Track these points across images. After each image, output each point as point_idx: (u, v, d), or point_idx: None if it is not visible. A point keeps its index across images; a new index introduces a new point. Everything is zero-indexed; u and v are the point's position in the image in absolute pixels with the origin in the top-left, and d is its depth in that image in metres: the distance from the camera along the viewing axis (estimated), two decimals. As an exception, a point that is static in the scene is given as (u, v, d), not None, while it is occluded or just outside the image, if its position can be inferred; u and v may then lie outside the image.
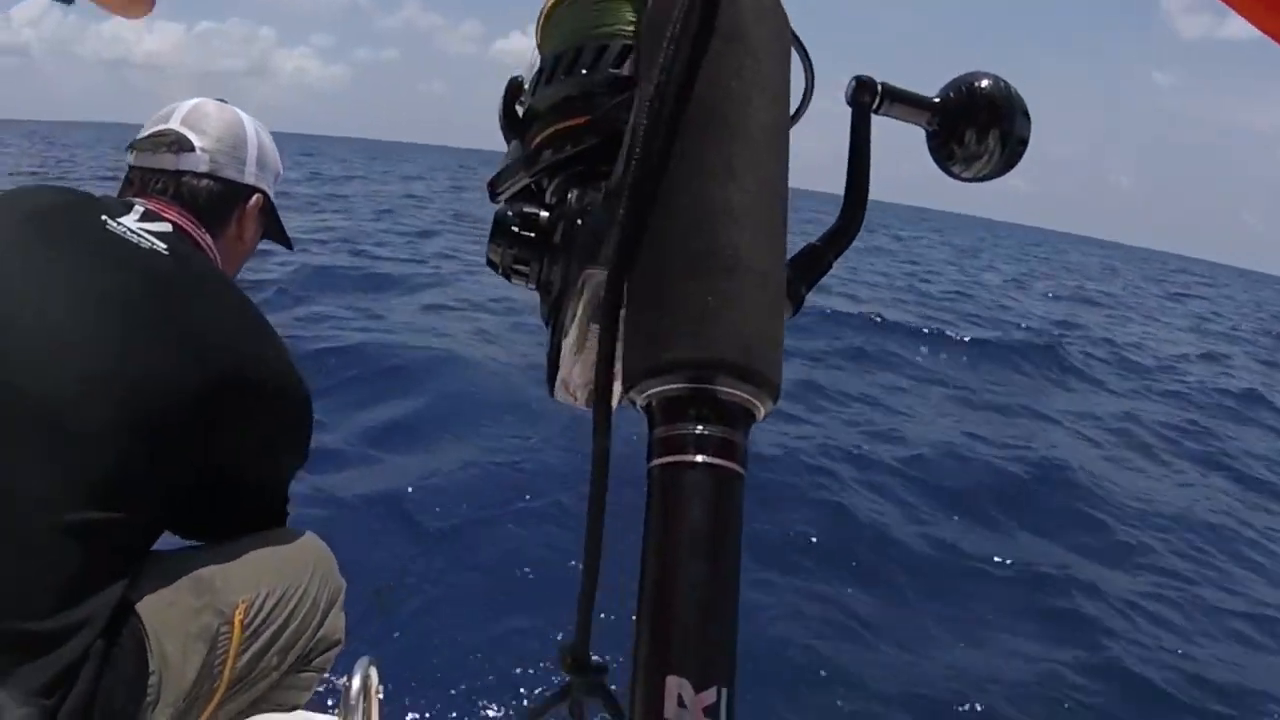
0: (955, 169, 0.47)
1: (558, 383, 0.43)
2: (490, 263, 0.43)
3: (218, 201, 1.31)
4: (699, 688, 0.27)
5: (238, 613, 1.15)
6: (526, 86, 0.44)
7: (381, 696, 1.32)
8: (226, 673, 1.14)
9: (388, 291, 8.04)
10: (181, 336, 1.06)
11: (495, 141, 0.47)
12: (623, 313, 0.33)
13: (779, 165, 0.35)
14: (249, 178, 1.35)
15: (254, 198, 1.37)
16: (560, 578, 2.95)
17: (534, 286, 0.43)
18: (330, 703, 1.48)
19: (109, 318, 1.04)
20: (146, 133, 1.31)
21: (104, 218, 1.13)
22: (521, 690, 2.48)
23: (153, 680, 1.03)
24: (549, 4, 0.44)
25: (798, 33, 0.44)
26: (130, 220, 1.16)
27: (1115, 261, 49.55)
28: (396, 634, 2.67)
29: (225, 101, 1.41)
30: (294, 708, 1.35)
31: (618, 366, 0.34)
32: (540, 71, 0.43)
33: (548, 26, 0.44)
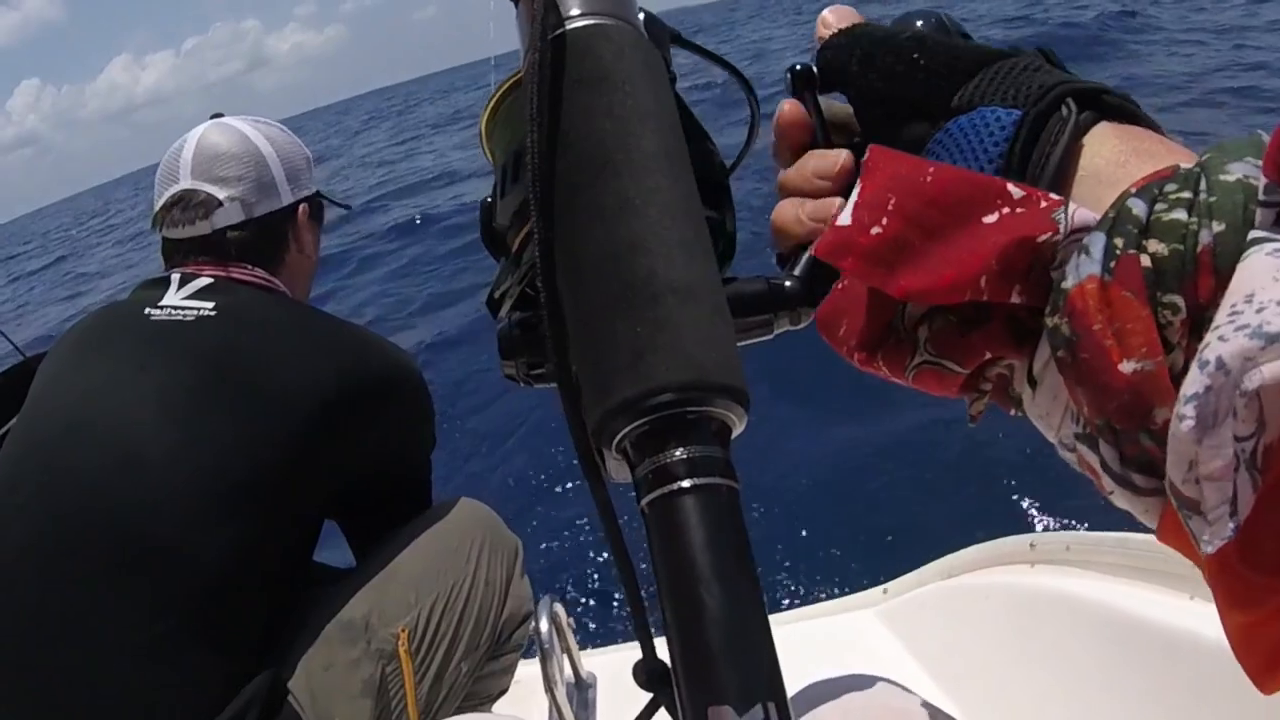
0: None
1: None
2: (510, 377, 0.44)
3: (268, 238, 1.23)
4: (743, 710, 0.27)
5: (400, 644, 1.07)
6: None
7: (574, 628, 1.28)
8: (412, 712, 1.06)
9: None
10: (257, 395, 1.03)
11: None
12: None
13: (679, 183, 0.35)
14: (286, 198, 1.26)
15: (299, 209, 1.29)
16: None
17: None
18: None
19: (173, 413, 1.01)
20: (164, 200, 1.21)
21: (145, 310, 1.09)
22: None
23: None
24: (483, 123, 0.45)
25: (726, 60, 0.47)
26: (171, 296, 1.11)
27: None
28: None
29: (221, 115, 1.31)
30: (501, 693, 1.29)
31: None
32: (495, 188, 0.44)
33: (490, 144, 0.46)
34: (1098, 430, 0.28)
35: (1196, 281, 0.26)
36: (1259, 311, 0.24)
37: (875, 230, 0.32)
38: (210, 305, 1.09)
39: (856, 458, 3.22)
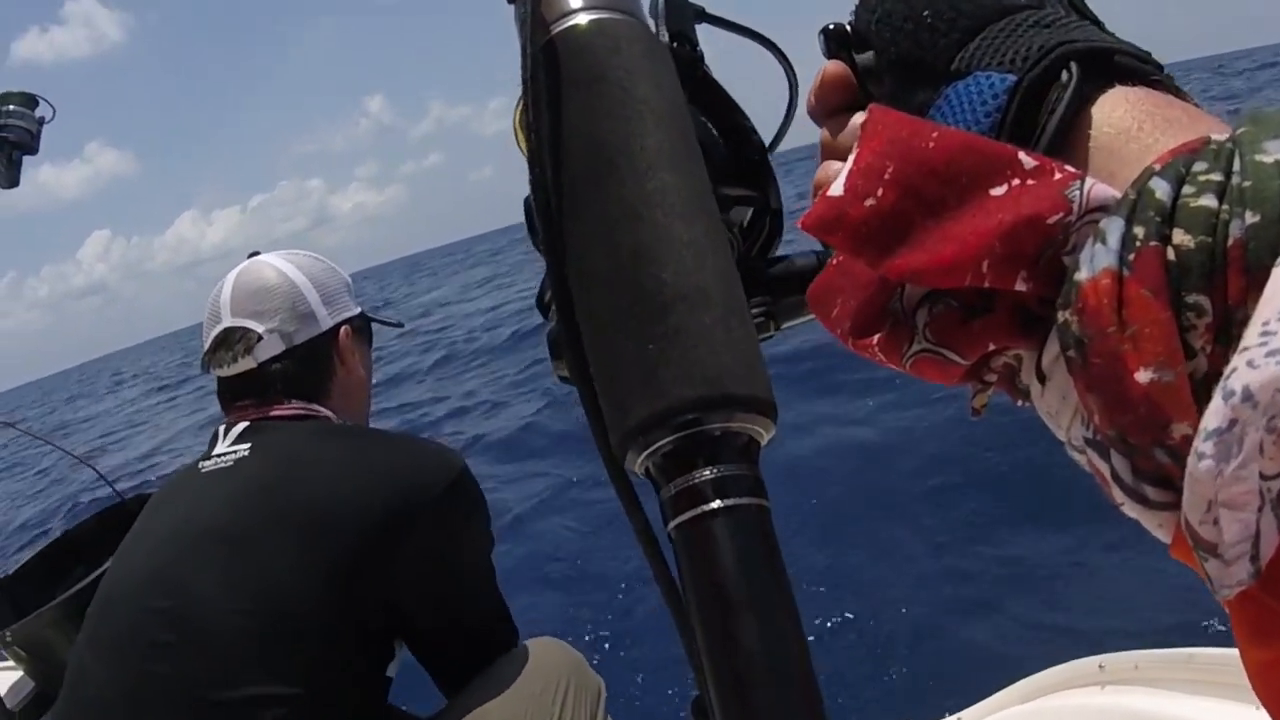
0: None
1: None
2: (563, 379, 0.43)
3: (312, 364, 1.28)
4: None
5: None
6: None
7: None
8: None
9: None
10: (295, 524, 1.06)
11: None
12: None
13: (687, 179, 0.34)
14: (325, 322, 1.31)
15: (341, 331, 1.33)
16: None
17: None
18: None
19: (219, 558, 1.06)
20: (210, 342, 1.29)
21: (200, 465, 1.19)
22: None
23: None
24: (515, 119, 0.44)
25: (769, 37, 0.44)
26: (219, 446, 1.20)
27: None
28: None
29: (257, 253, 1.37)
30: None
31: None
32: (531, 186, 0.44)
33: (524, 140, 0.44)
34: (1109, 440, 0.25)
35: (1225, 281, 0.23)
36: None
37: (869, 202, 0.28)
38: (247, 446, 1.16)
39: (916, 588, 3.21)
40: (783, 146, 0.49)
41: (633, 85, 0.34)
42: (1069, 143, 0.30)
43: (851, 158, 0.29)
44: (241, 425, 1.22)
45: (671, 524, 0.30)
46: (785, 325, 0.44)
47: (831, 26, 0.39)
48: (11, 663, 1.84)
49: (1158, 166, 0.25)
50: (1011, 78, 0.31)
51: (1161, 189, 0.24)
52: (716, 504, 0.29)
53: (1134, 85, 0.30)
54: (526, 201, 0.42)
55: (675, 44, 0.41)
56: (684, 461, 0.30)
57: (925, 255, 0.28)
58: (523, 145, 0.44)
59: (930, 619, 2.94)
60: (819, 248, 0.42)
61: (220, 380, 1.29)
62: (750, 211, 0.43)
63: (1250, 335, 0.21)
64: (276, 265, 1.32)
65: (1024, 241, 0.27)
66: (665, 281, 0.31)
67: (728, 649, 0.27)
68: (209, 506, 1.11)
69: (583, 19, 0.35)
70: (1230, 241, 0.23)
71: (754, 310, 0.42)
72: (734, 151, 0.41)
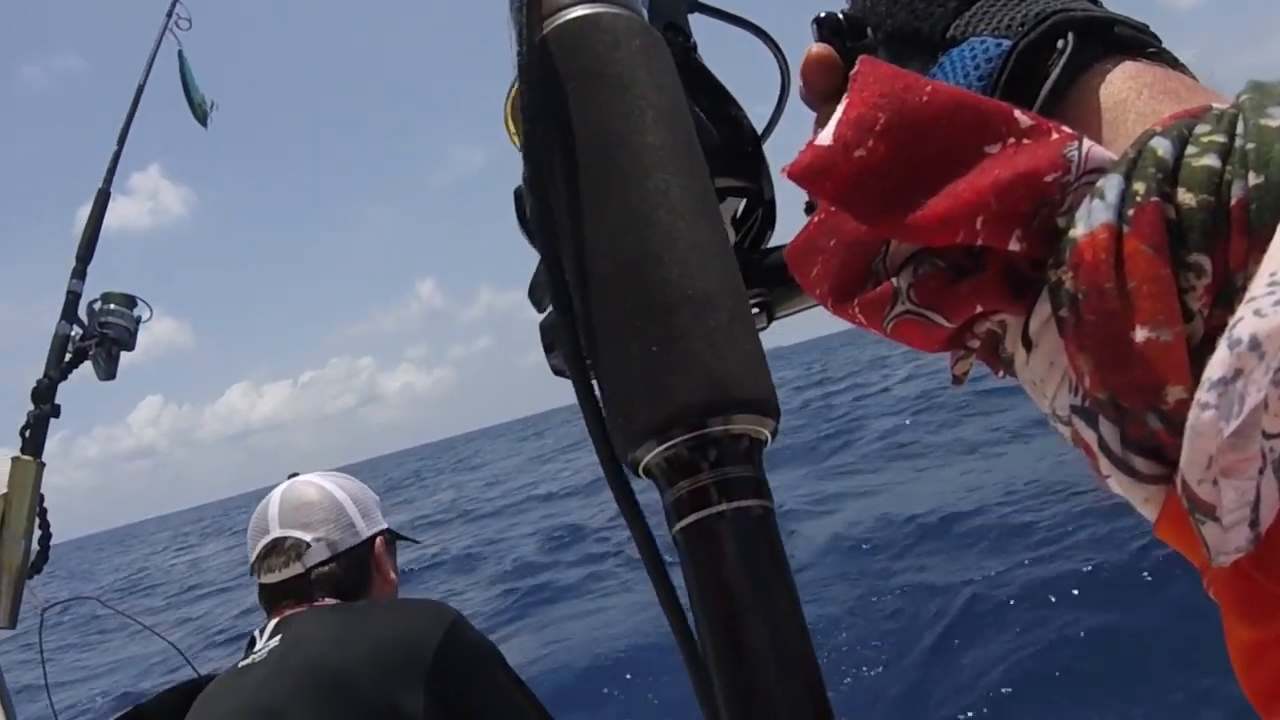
0: None
1: None
2: (558, 371, 0.41)
3: (353, 571, 1.42)
4: None
5: None
6: None
7: None
8: None
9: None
10: (324, 695, 1.15)
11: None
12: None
13: (690, 179, 0.33)
14: (364, 532, 1.46)
15: (377, 542, 1.48)
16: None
17: None
18: None
19: None
20: (259, 550, 1.42)
21: (239, 664, 1.29)
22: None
23: None
24: (507, 111, 0.43)
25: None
26: (257, 645, 1.31)
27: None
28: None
29: (297, 474, 1.54)
30: None
31: None
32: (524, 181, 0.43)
33: (517, 131, 0.43)
34: (1099, 405, 0.25)
35: (1227, 241, 0.22)
36: None
37: (859, 153, 0.28)
38: (278, 638, 1.28)
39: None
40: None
41: (633, 82, 0.33)
42: (1065, 110, 0.30)
43: (841, 108, 0.28)
44: (274, 621, 1.34)
45: (677, 526, 0.29)
46: (779, 315, 0.44)
47: (824, 14, 0.39)
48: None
49: (1159, 128, 0.25)
50: (1006, 42, 0.31)
51: (1164, 147, 0.24)
52: (723, 507, 0.28)
53: (1133, 57, 0.30)
54: (516, 192, 0.41)
55: (668, 33, 0.41)
56: (689, 464, 0.29)
57: (918, 210, 0.27)
58: (515, 138, 0.43)
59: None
60: None
61: (265, 586, 1.41)
62: (743, 202, 0.43)
63: (1258, 285, 0.21)
64: (318, 483, 1.50)
65: (1020, 198, 0.26)
66: (670, 284, 0.30)
67: (734, 649, 0.27)
68: (244, 694, 1.21)
69: (579, 12, 0.35)
70: (1233, 202, 0.22)
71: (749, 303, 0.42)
72: (727, 141, 0.40)
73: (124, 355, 1.87)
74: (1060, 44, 0.30)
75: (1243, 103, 0.24)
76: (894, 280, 0.30)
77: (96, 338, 1.83)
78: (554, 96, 0.34)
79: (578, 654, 5.05)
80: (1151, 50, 0.31)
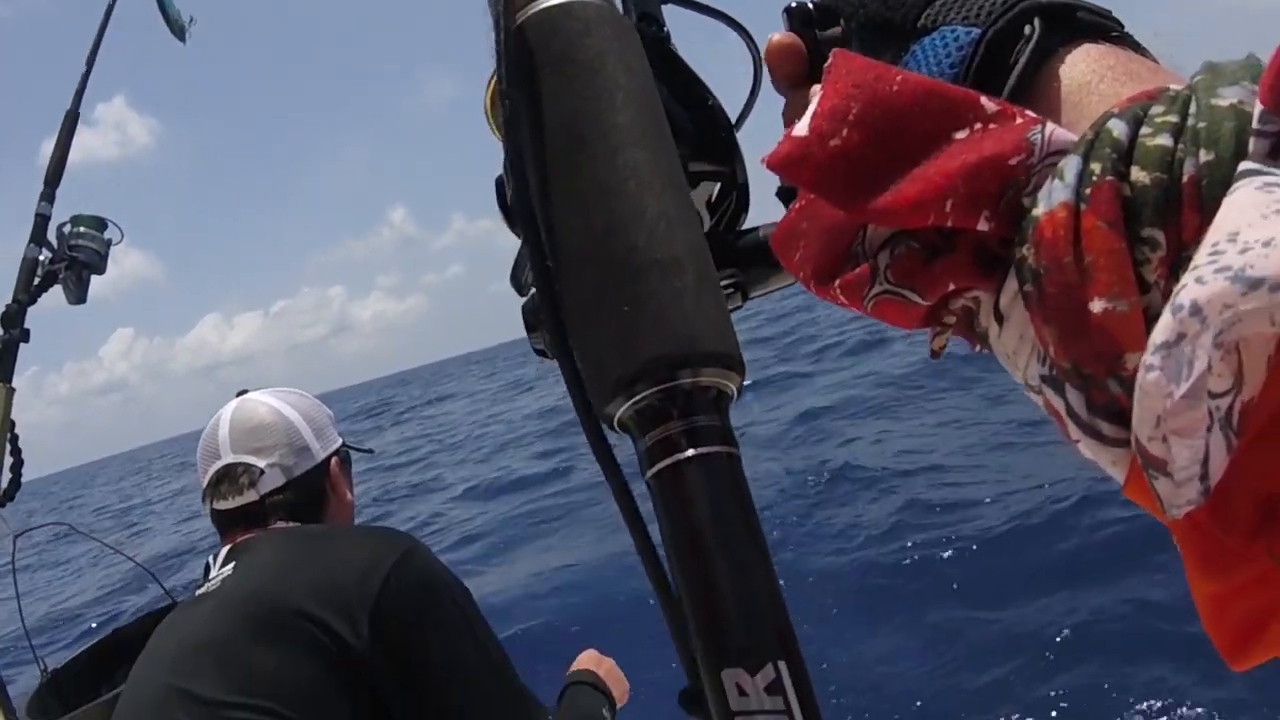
0: None
1: None
2: (539, 352, 0.43)
3: (307, 495, 1.36)
4: (754, 671, 0.28)
5: None
6: None
7: None
8: None
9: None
10: (277, 624, 1.11)
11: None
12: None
13: (658, 155, 0.35)
14: (318, 454, 1.39)
15: (331, 462, 1.42)
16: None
17: None
18: None
19: (204, 664, 1.12)
20: (211, 477, 1.35)
21: (198, 591, 1.25)
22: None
23: None
24: (487, 100, 0.45)
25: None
26: (213, 572, 1.27)
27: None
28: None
29: (246, 391, 1.45)
30: None
31: None
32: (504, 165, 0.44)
33: (495, 121, 0.45)
34: (1064, 374, 0.26)
35: (1180, 215, 0.24)
36: (1242, 253, 0.21)
37: (834, 142, 0.29)
38: (230, 566, 1.23)
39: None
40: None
41: (602, 66, 0.36)
42: (1032, 95, 0.31)
43: (815, 99, 0.30)
44: (227, 549, 1.29)
45: (649, 472, 0.31)
46: (753, 295, 0.46)
47: (794, 4, 0.40)
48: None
49: (1116, 110, 0.26)
50: (976, 30, 0.32)
51: (1119, 129, 0.25)
52: (690, 452, 0.30)
53: (1096, 41, 0.31)
54: (498, 180, 0.43)
55: (642, 23, 0.43)
56: (659, 414, 0.31)
57: (890, 195, 0.28)
58: (494, 128, 0.44)
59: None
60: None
61: (218, 512, 1.35)
62: (717, 185, 0.45)
63: (1200, 255, 0.22)
64: (269, 403, 1.41)
65: (986, 181, 0.27)
66: (639, 249, 0.32)
67: (704, 585, 0.29)
68: (191, 627, 1.18)
69: (553, 1, 0.36)
70: (1185, 178, 0.24)
71: (723, 282, 0.43)
72: (701, 128, 0.42)
73: (96, 285, 1.83)
74: (1027, 30, 0.31)
75: (1196, 84, 0.25)
76: (872, 261, 0.31)
77: (66, 261, 1.79)
78: (530, 82, 0.36)
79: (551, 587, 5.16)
80: (1114, 34, 0.32)
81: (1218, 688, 2.73)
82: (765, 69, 0.41)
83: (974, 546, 4.06)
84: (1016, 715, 2.90)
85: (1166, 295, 0.23)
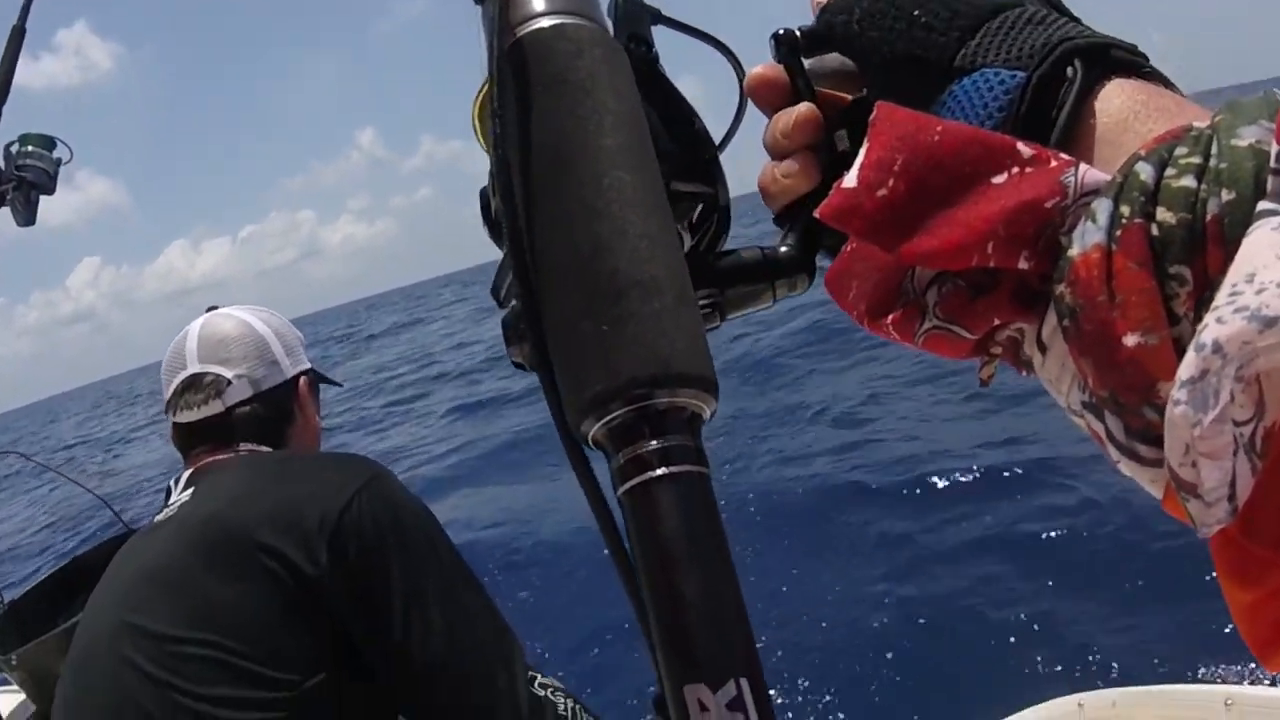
0: None
1: None
2: (517, 364, 0.44)
3: (273, 410, 1.32)
4: (715, 687, 0.28)
5: None
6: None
7: None
8: None
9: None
10: (233, 553, 1.06)
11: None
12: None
13: (642, 177, 0.36)
14: (288, 370, 1.35)
15: (301, 382, 1.38)
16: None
17: None
18: None
19: (157, 595, 1.09)
20: (175, 386, 1.30)
21: (156, 517, 1.20)
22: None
23: None
24: (474, 113, 0.45)
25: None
26: (172, 497, 1.22)
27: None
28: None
29: (215, 308, 1.41)
30: None
31: None
32: (489, 179, 0.43)
33: (483, 134, 0.45)
34: (1102, 402, 0.28)
35: (1205, 253, 0.25)
36: (1259, 293, 0.23)
37: (881, 192, 0.31)
38: (190, 491, 1.19)
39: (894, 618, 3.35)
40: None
41: (593, 88, 0.36)
42: (1073, 133, 0.32)
43: (863, 152, 0.32)
44: (189, 472, 1.25)
45: (621, 489, 0.32)
46: (730, 316, 0.46)
47: (782, 31, 0.41)
48: (15, 686, 1.85)
49: (1143, 152, 0.27)
50: (1020, 74, 0.33)
51: (1146, 171, 0.27)
52: (662, 471, 0.31)
53: (1128, 77, 0.32)
54: (483, 193, 0.44)
55: (631, 44, 0.43)
56: (633, 432, 0.32)
57: (935, 239, 0.30)
58: (481, 138, 0.45)
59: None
60: (762, 245, 0.44)
61: (180, 426, 1.29)
62: (700, 207, 0.45)
63: (1220, 296, 0.24)
64: (239, 316, 1.37)
65: (1024, 224, 0.29)
66: (620, 270, 0.33)
67: (671, 599, 0.30)
68: (148, 554, 1.14)
69: (546, 23, 0.37)
70: (1209, 217, 0.25)
71: (701, 302, 0.44)
72: (685, 148, 0.43)
73: (61, 213, 1.76)
74: (1069, 71, 0.32)
75: (1218, 124, 0.26)
76: (921, 299, 0.33)
77: (14, 181, 1.71)
78: (521, 99, 0.36)
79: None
80: (1145, 70, 0.33)
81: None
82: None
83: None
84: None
85: (1195, 326, 0.25)
